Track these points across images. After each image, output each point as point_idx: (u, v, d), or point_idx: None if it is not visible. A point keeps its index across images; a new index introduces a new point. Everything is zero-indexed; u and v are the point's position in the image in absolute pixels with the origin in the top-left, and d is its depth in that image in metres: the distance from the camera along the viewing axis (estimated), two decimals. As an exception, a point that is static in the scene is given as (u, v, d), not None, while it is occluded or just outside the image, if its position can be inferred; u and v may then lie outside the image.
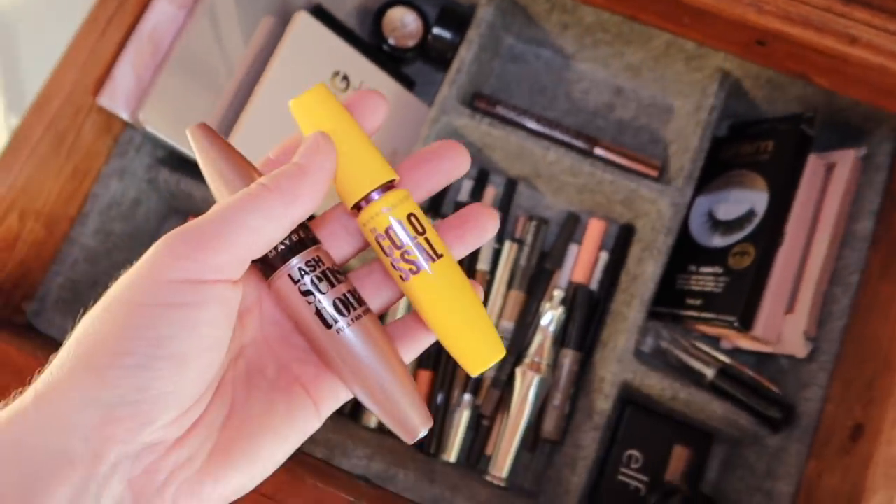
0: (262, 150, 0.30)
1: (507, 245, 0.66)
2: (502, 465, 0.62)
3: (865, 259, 0.60)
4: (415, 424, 0.28)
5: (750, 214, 0.62)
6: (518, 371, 0.63)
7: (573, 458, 0.59)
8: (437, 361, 0.65)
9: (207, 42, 0.61)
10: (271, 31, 0.63)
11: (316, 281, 0.27)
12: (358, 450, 0.56)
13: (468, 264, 0.66)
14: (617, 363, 0.59)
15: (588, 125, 0.70)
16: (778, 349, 0.61)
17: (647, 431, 0.63)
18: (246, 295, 0.29)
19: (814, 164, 0.63)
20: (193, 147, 0.28)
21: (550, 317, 0.64)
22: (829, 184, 0.63)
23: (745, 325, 0.59)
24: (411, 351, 0.30)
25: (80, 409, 0.23)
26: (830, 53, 0.54)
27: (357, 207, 0.28)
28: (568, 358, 0.63)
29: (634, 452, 0.63)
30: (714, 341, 0.66)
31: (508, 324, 0.65)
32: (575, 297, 0.65)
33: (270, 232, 0.25)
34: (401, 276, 0.28)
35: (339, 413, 0.63)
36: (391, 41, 0.69)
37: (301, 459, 0.54)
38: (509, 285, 0.66)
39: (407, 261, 0.27)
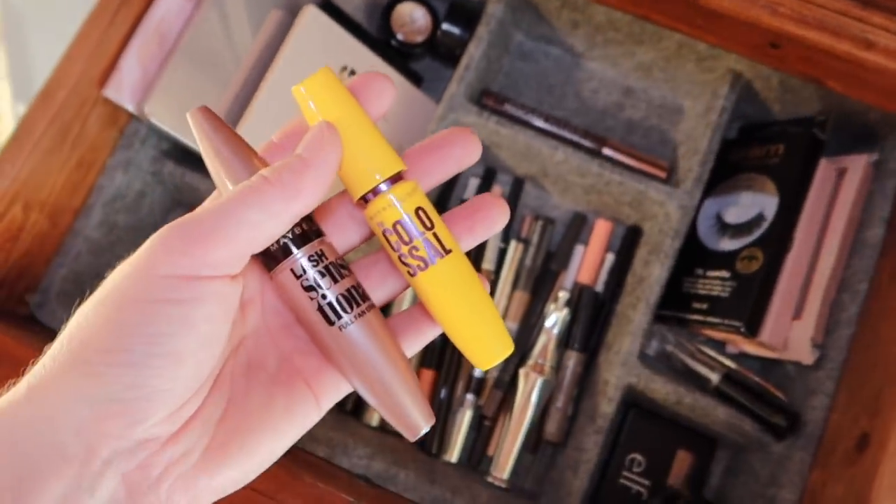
0: (268, 144, 0.29)
1: (513, 245, 0.66)
2: (504, 466, 0.61)
3: (875, 266, 0.59)
4: (417, 421, 0.28)
5: (759, 218, 0.62)
6: (521, 372, 0.62)
7: (575, 460, 0.59)
8: (440, 360, 0.64)
9: (215, 35, 0.61)
10: (279, 25, 0.63)
11: (319, 276, 0.27)
12: (359, 449, 0.56)
13: (473, 263, 0.65)
14: (621, 366, 0.59)
15: (597, 125, 0.69)
16: (784, 355, 0.61)
17: (650, 435, 0.63)
18: (248, 285, 0.28)
19: (825, 169, 0.63)
20: (194, 130, 0.27)
21: (555, 318, 0.63)
22: (839, 189, 0.62)
23: (752, 330, 0.59)
24: (416, 343, 0.30)
25: (72, 405, 0.23)
26: (846, 58, 0.53)
27: (363, 199, 0.27)
28: (572, 360, 0.63)
29: (637, 456, 0.62)
30: (720, 346, 0.65)
31: (512, 324, 0.65)
32: (580, 299, 0.64)
33: (271, 227, 0.25)
34: (408, 272, 0.27)
35: (340, 411, 0.63)
36: (400, 36, 0.68)
37: (301, 458, 0.54)
38: (514, 286, 0.65)
39: (415, 257, 0.27)
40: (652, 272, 0.60)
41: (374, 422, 0.63)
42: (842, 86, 0.58)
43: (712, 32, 0.58)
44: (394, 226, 0.27)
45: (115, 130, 0.63)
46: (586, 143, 0.66)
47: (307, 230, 0.27)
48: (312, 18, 0.61)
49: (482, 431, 0.64)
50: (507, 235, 0.66)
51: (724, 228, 0.64)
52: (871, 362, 0.56)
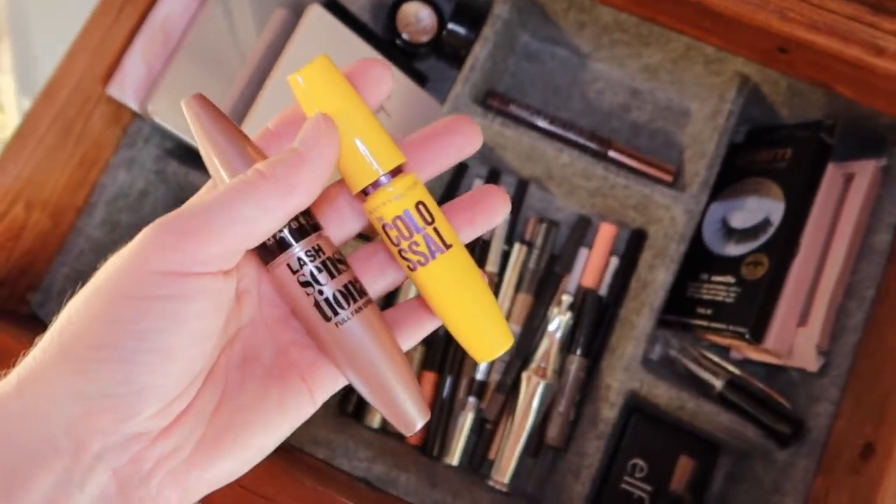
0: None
1: (517, 247, 0.65)
2: (505, 470, 0.61)
3: (882, 273, 0.59)
4: (412, 417, 0.28)
5: (765, 223, 0.61)
6: (524, 376, 0.62)
7: (577, 465, 0.59)
8: (441, 363, 0.64)
9: (219, 33, 0.60)
10: (284, 24, 0.63)
11: (315, 272, 0.26)
12: (360, 451, 0.56)
13: (476, 264, 0.65)
14: (624, 371, 0.59)
15: (602, 126, 0.69)
16: (789, 362, 0.60)
17: (652, 440, 0.62)
18: (244, 275, 0.28)
19: (832, 174, 0.62)
20: (188, 119, 0.26)
21: (558, 322, 0.63)
22: (847, 194, 0.62)
23: (757, 337, 0.58)
24: (415, 336, 0.29)
25: (63, 400, 0.23)
26: (856, 63, 0.52)
27: (363, 192, 0.27)
28: (574, 364, 0.63)
29: (639, 461, 0.62)
30: (724, 351, 0.65)
31: (515, 327, 0.64)
32: (583, 303, 0.64)
33: (265, 224, 0.24)
34: (409, 266, 0.27)
35: (341, 413, 0.63)
36: (405, 36, 0.68)
37: (302, 460, 0.54)
38: (517, 288, 0.65)
39: (415, 252, 0.26)
40: (657, 276, 0.60)
41: (376, 424, 0.62)
42: (851, 91, 0.57)
43: (720, 36, 0.58)
44: (394, 221, 0.26)
45: (119, 129, 0.63)
46: (592, 145, 0.65)
47: (304, 224, 0.26)
48: (317, 17, 0.60)
49: (483, 435, 0.64)
50: (510, 238, 0.66)
51: (730, 233, 0.63)
52: (877, 370, 0.55)
